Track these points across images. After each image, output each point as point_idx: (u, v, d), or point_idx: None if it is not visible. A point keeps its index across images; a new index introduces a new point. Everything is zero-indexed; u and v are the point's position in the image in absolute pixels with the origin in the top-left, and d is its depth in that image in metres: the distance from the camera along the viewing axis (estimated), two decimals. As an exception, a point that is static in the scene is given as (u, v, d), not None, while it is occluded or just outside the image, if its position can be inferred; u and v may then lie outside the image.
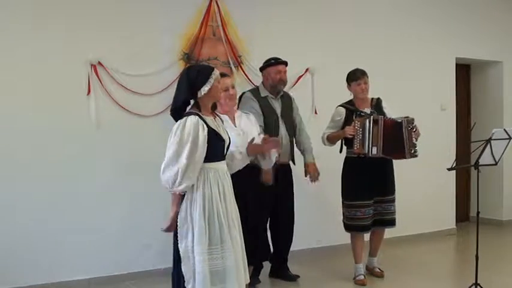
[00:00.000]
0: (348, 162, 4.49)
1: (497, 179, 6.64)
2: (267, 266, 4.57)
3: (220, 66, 4.91)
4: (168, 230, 2.93)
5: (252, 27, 5.03)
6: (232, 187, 3.08)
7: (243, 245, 3.07)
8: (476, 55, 6.61)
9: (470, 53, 6.53)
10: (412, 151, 4.32)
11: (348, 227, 4.50)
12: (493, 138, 3.71)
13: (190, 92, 2.93)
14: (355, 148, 4.27)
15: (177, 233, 2.90)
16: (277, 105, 4.46)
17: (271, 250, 4.57)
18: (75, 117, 4.35)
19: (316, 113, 5.38)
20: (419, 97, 6.00)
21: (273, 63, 4.45)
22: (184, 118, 2.89)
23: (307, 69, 5.35)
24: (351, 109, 4.43)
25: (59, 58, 4.28)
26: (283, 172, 4.39)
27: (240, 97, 4.35)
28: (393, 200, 4.51)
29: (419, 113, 5.80)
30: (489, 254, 4.61)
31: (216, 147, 2.95)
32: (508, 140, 3.76)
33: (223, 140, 3.01)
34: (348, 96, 4.60)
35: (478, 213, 3.89)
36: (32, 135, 4.20)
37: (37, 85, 4.23)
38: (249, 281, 3.11)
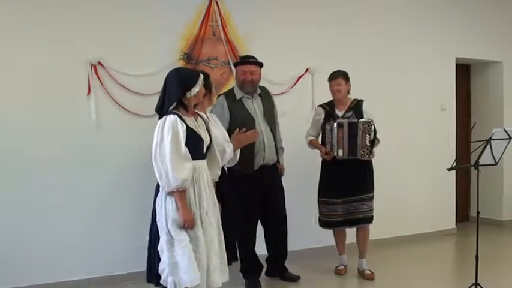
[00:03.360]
0: (323, 163, 4.66)
1: (497, 179, 6.63)
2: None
3: (221, 66, 4.92)
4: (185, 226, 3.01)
5: (252, 27, 5.03)
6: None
7: (222, 244, 3.21)
8: (476, 55, 6.60)
9: (470, 53, 6.52)
10: (364, 152, 4.38)
11: (320, 222, 4.66)
12: (493, 138, 3.71)
13: (181, 92, 3.06)
14: (326, 150, 4.45)
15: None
16: (256, 106, 4.25)
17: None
18: (75, 117, 4.35)
19: (316, 112, 5.37)
20: (420, 97, 6.00)
21: (239, 62, 4.25)
22: (163, 118, 3.01)
23: (307, 69, 5.35)
24: (327, 110, 4.59)
25: (59, 58, 4.28)
26: (269, 174, 4.30)
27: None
28: (366, 199, 4.53)
29: (419, 113, 5.85)
30: (489, 254, 4.59)
31: (194, 146, 3.03)
32: (508, 140, 3.76)
33: (202, 139, 3.09)
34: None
35: (478, 213, 3.89)
36: (31, 135, 4.19)
37: (37, 85, 4.23)
38: (220, 285, 3.17)
